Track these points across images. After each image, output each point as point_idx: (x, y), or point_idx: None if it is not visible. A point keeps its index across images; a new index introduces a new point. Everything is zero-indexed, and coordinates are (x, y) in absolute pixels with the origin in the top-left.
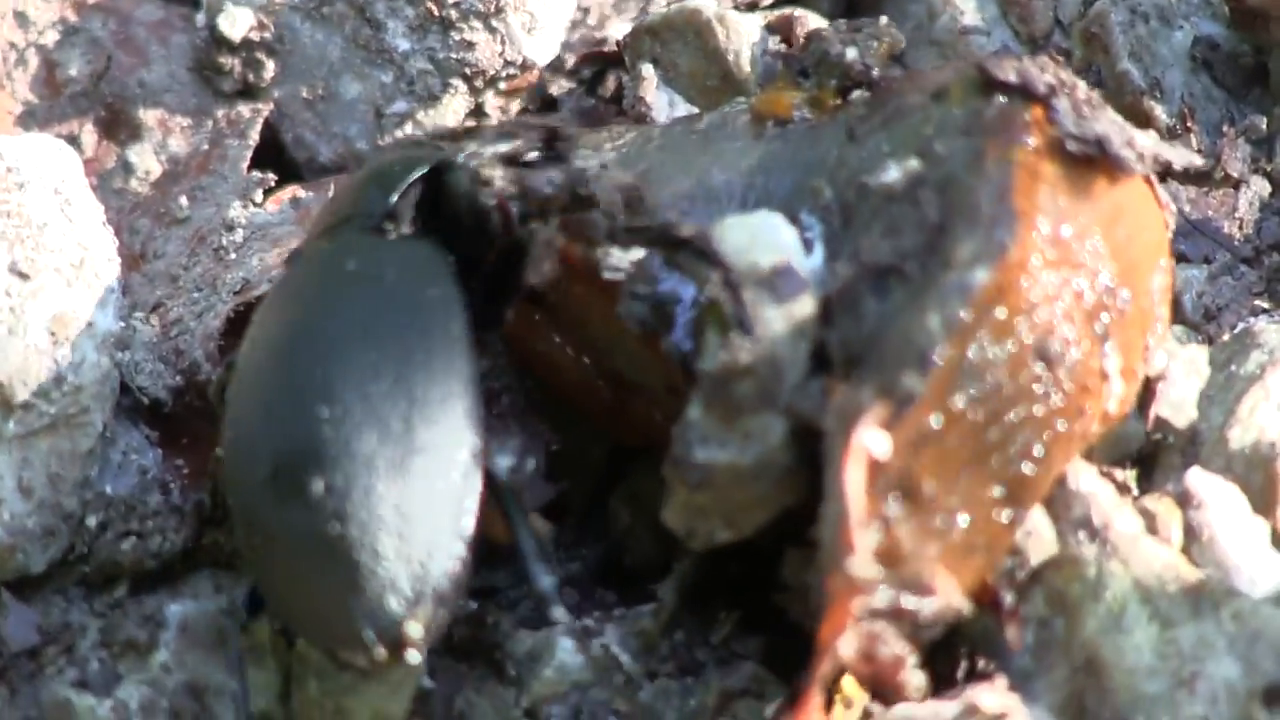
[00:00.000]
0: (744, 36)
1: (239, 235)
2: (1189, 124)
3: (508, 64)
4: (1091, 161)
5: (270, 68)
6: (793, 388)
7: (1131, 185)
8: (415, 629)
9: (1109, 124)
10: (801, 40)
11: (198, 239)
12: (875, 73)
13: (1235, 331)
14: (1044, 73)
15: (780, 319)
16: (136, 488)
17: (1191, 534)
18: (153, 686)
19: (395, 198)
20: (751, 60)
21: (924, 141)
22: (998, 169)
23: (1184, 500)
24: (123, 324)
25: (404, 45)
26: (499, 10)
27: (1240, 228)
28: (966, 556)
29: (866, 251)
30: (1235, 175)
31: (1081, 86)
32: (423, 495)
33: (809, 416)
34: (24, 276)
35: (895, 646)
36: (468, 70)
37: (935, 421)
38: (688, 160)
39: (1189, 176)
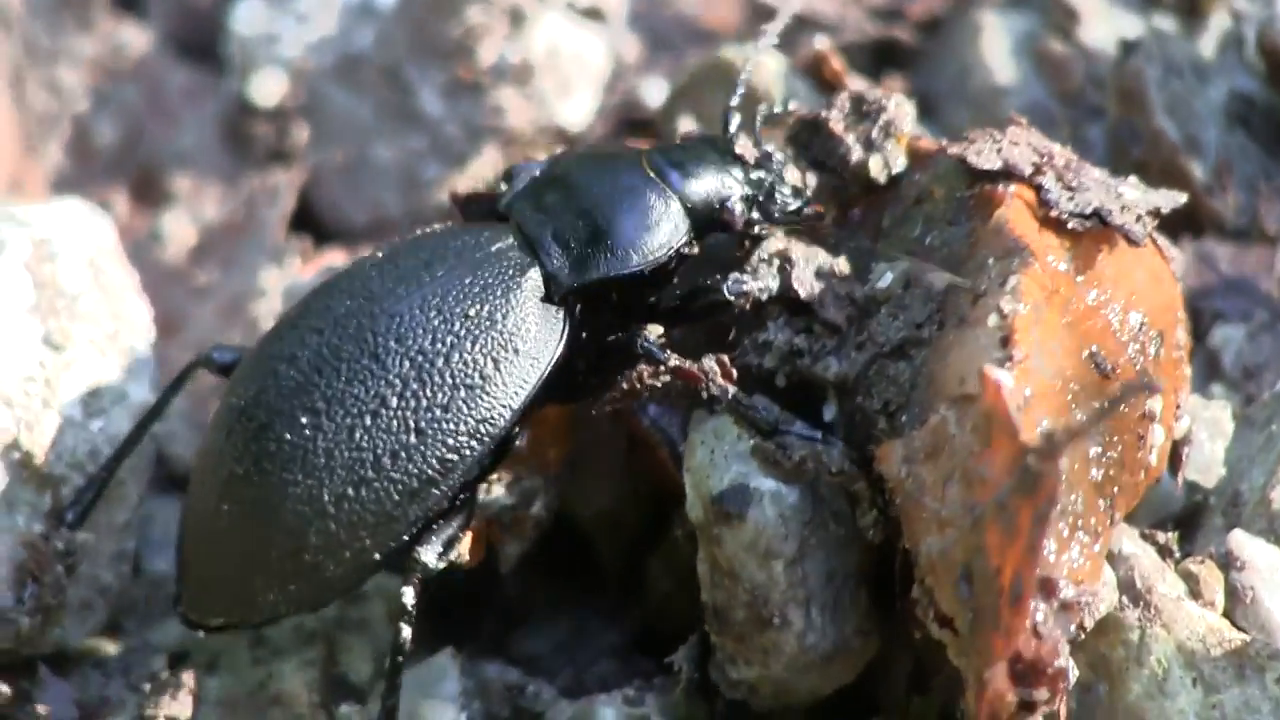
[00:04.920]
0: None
1: (273, 302)
2: (1225, 180)
3: (540, 129)
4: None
5: (302, 133)
6: (782, 595)
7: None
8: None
9: (1097, 187)
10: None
11: (231, 307)
12: (890, 176)
13: (1275, 390)
14: (1020, 148)
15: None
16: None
17: (1235, 597)
18: None
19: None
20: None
21: (911, 243)
22: (994, 225)
23: (1227, 562)
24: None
25: (436, 110)
26: (530, 73)
27: (1279, 284)
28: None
29: (878, 334)
30: (1272, 232)
31: (1058, 150)
32: (311, 552)
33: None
34: (57, 348)
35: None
36: (500, 134)
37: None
38: None
39: (1226, 233)
